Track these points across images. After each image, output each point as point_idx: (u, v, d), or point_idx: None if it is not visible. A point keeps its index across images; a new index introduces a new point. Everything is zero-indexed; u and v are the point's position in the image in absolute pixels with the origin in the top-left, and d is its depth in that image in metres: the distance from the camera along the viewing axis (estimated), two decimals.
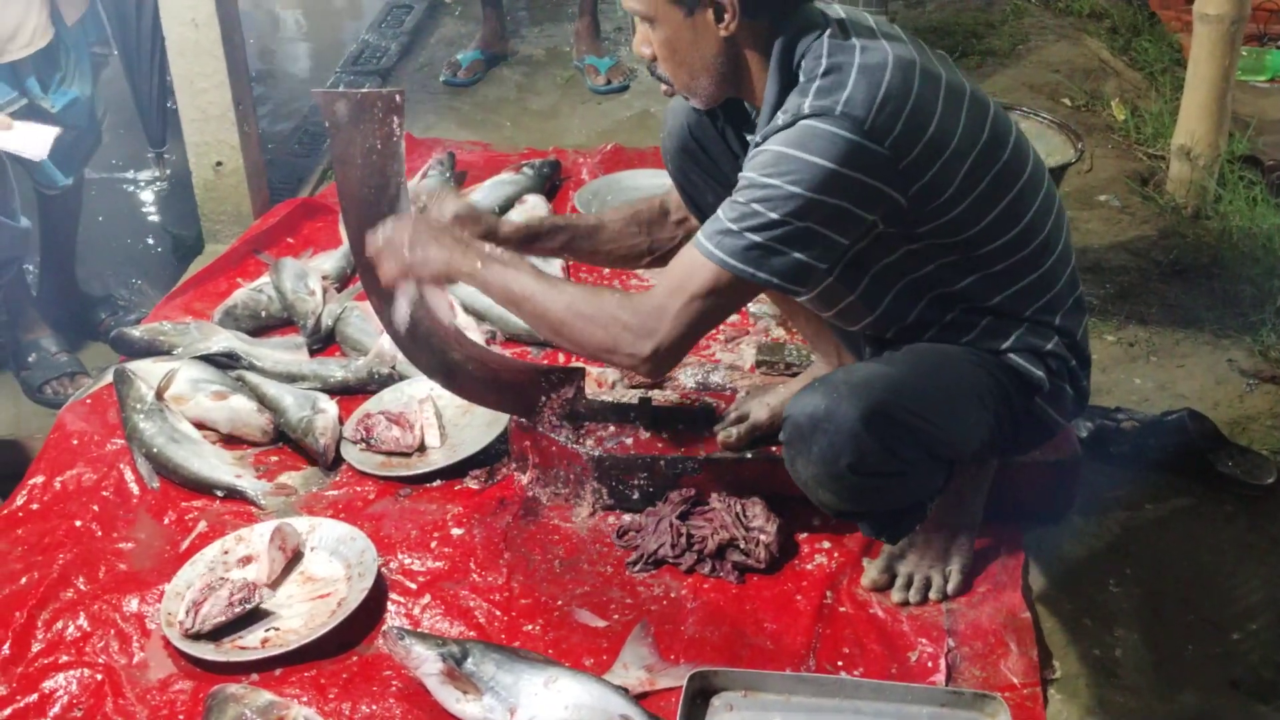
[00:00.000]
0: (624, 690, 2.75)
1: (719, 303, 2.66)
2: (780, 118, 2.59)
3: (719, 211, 2.62)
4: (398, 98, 2.86)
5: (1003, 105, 2.90)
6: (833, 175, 2.51)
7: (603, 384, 3.66)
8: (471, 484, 3.50)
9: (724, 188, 3.00)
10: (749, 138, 2.91)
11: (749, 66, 2.73)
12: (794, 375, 3.62)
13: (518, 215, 3.33)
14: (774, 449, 3.26)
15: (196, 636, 2.98)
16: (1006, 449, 2.98)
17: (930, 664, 2.89)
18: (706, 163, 3.06)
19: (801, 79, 2.61)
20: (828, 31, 2.63)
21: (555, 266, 4.13)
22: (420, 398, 3.71)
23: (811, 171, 2.51)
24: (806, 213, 2.53)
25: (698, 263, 2.61)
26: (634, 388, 3.62)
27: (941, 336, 2.86)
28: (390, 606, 3.11)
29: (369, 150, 2.88)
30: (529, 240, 3.17)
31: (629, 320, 2.66)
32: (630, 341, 2.67)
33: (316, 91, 2.95)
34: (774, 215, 2.53)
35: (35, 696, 2.89)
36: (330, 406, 3.70)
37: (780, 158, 2.54)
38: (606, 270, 4.35)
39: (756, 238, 2.55)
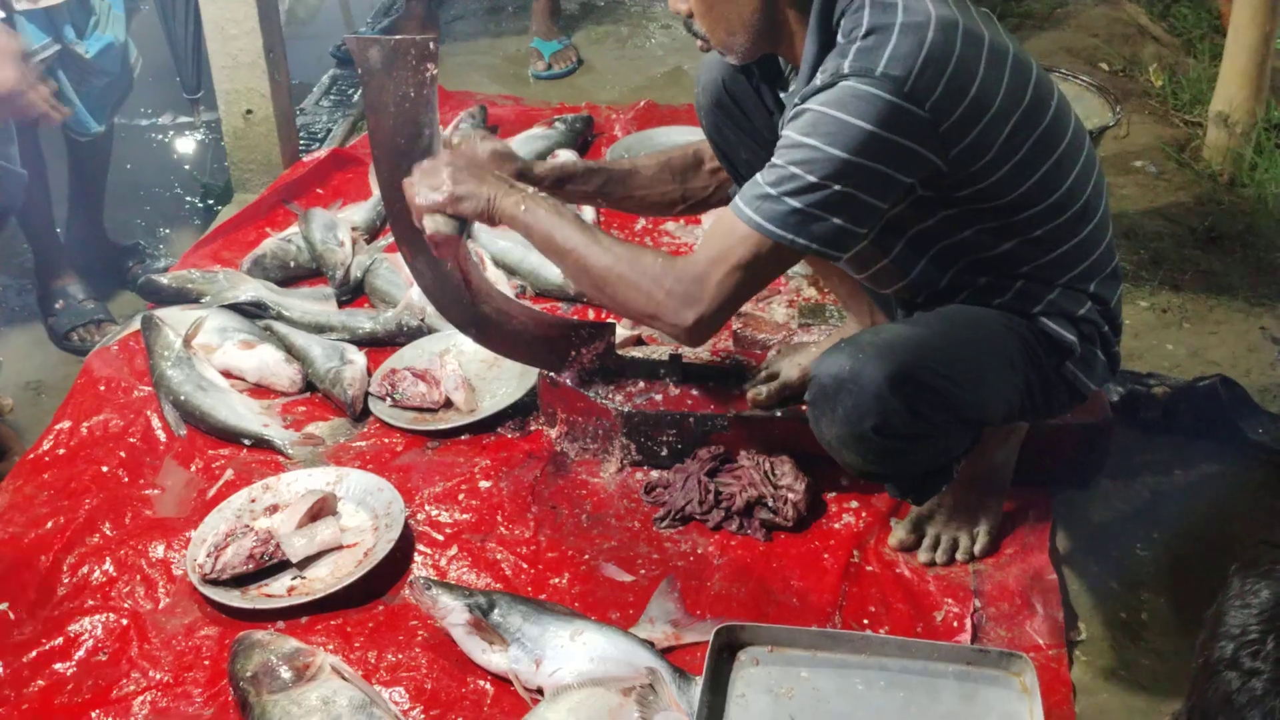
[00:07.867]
0: (650, 644, 2.75)
1: (761, 270, 2.60)
2: (819, 78, 2.52)
3: (757, 175, 2.56)
4: (431, 44, 2.84)
5: (1042, 68, 2.85)
6: (872, 137, 2.45)
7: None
8: (503, 435, 3.50)
9: (758, 144, 2.97)
10: (783, 95, 2.88)
11: (787, 24, 2.67)
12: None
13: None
14: (803, 408, 3.24)
15: (215, 582, 2.99)
16: (1036, 413, 2.94)
17: (956, 624, 2.89)
18: (740, 118, 3.02)
19: (840, 39, 2.55)
20: None
21: (589, 215, 4.12)
22: (439, 351, 3.71)
23: (850, 134, 2.44)
24: (845, 176, 2.46)
25: (739, 230, 2.54)
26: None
27: (973, 300, 2.82)
28: (417, 558, 3.12)
29: (402, 98, 2.86)
30: (562, 182, 3.12)
31: (671, 287, 2.60)
32: (673, 310, 2.61)
33: (349, 37, 2.94)
34: (813, 178, 2.47)
35: (61, 640, 2.91)
36: (358, 357, 3.70)
37: (820, 119, 2.47)
38: (639, 225, 4.35)
39: (796, 203, 2.48)
